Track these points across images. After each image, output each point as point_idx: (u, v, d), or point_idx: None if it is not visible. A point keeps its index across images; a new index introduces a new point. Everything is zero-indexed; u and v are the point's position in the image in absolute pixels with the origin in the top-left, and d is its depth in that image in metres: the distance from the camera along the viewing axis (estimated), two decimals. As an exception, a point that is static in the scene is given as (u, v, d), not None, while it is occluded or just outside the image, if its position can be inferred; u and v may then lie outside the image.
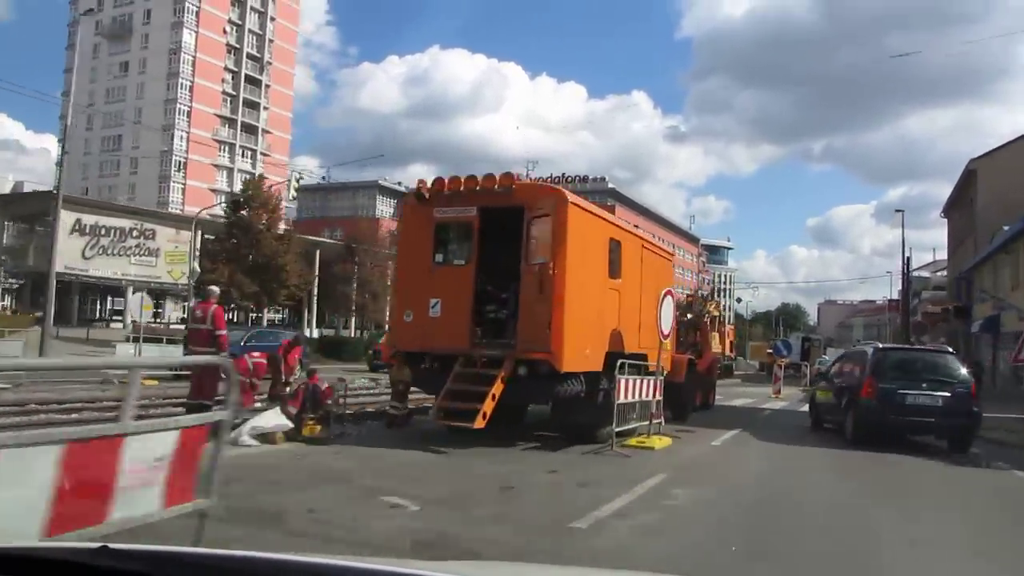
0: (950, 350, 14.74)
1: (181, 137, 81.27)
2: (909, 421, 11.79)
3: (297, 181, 37.47)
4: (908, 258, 47.84)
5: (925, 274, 61.05)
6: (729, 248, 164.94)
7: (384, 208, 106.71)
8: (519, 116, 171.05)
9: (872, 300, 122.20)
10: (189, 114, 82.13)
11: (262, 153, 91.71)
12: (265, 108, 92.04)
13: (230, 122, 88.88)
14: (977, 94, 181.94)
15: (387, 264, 47.33)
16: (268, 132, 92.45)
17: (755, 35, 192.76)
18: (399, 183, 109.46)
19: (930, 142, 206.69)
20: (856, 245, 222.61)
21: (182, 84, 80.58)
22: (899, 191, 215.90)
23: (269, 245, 43.42)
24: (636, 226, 18.07)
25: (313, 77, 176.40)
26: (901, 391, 11.76)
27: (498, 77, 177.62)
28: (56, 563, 1.52)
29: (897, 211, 48.91)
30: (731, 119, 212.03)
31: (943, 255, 55.56)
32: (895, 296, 72.83)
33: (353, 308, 51.75)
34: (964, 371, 12.77)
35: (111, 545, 1.54)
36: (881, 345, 17.12)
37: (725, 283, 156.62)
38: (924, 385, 11.87)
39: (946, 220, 49.98)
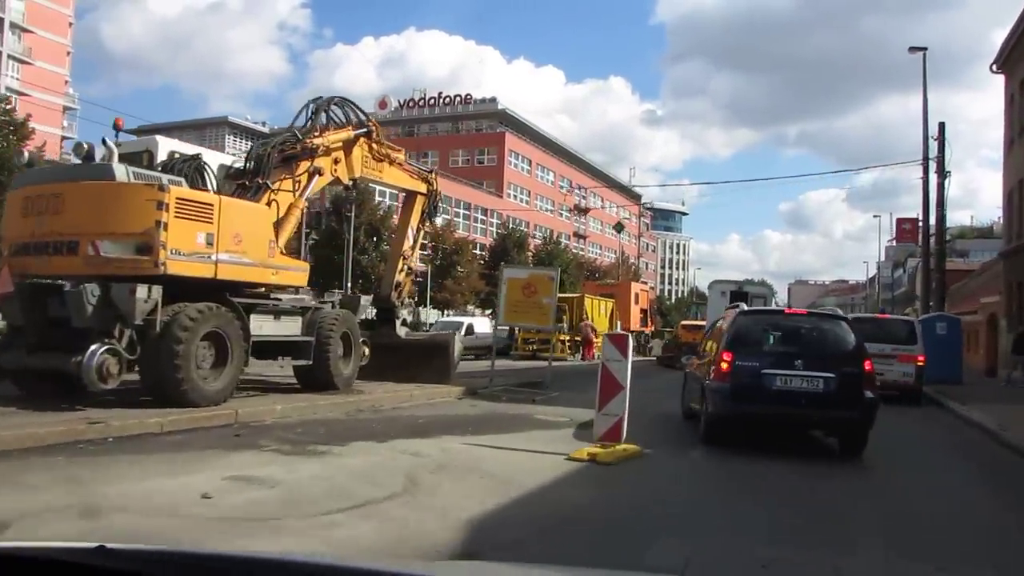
0: (840, 313, 11.17)
1: None
2: (776, 412, 8.77)
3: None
4: (941, 125, 24.76)
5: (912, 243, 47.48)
6: (684, 214, 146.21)
7: (236, 148, 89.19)
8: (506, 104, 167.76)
9: (845, 280, 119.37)
10: None
11: (13, 58, 66.69)
12: (19, -6, 66.47)
13: (-46, 8, 63.82)
14: (950, 80, 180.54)
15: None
16: (26, 30, 67.38)
17: (728, 18, 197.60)
18: (263, 123, 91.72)
19: (901, 128, 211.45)
20: (829, 229, 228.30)
21: None
22: (871, 175, 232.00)
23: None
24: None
25: (287, 59, 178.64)
26: (767, 371, 8.72)
27: (475, 60, 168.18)
28: (51, 563, 1.46)
29: (914, 49, 24.67)
30: (707, 103, 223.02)
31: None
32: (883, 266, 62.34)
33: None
34: (856, 344, 9.27)
35: (108, 545, 1.47)
36: (746, 307, 11.29)
37: (677, 252, 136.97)
38: (799, 363, 8.72)
39: (1003, 76, 30.08)
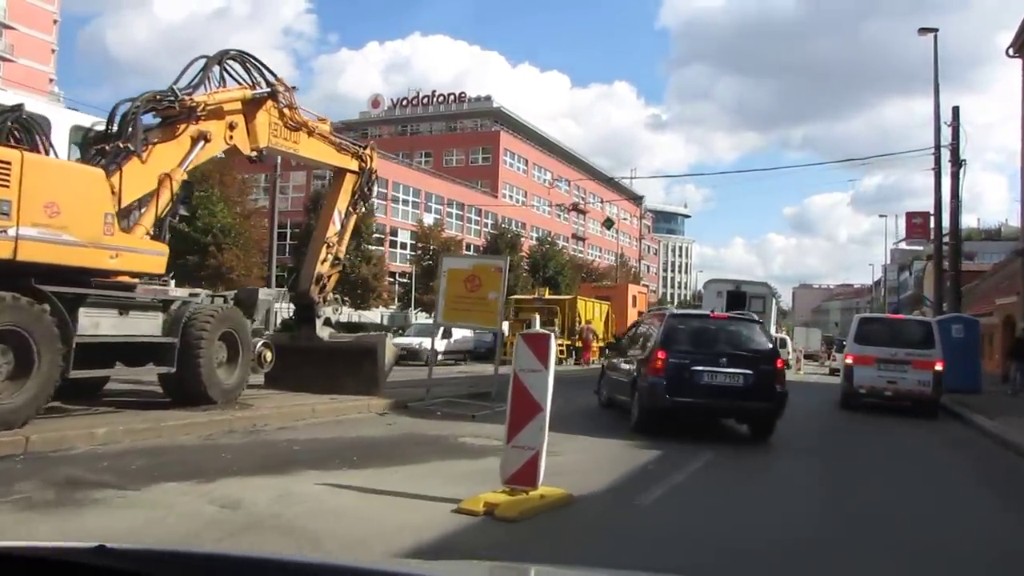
0: (755, 318, 12.30)
1: None
2: (704, 404, 9.98)
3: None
4: (955, 110, 22.84)
5: (918, 247, 46.54)
6: (686, 216, 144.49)
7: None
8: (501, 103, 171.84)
9: (850, 284, 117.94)
10: None
11: (-8, 56, 65.64)
12: (0, -9, 65.34)
13: (-69, 2, 62.64)
14: (954, 83, 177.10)
15: None
16: (8, 27, 66.15)
17: (733, 23, 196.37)
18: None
19: (906, 131, 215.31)
20: (833, 233, 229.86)
21: None
22: (875, 179, 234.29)
23: None
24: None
25: (293, 64, 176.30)
26: (696, 367, 9.83)
27: (479, 63, 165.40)
28: (52, 563, 1.44)
29: (924, 30, 22.61)
30: (711, 107, 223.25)
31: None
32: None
33: None
34: (770, 346, 10.80)
35: (108, 545, 1.43)
36: (675, 310, 13.49)
37: (679, 255, 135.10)
38: (723, 360, 9.95)
39: (1019, 60, 27.61)
